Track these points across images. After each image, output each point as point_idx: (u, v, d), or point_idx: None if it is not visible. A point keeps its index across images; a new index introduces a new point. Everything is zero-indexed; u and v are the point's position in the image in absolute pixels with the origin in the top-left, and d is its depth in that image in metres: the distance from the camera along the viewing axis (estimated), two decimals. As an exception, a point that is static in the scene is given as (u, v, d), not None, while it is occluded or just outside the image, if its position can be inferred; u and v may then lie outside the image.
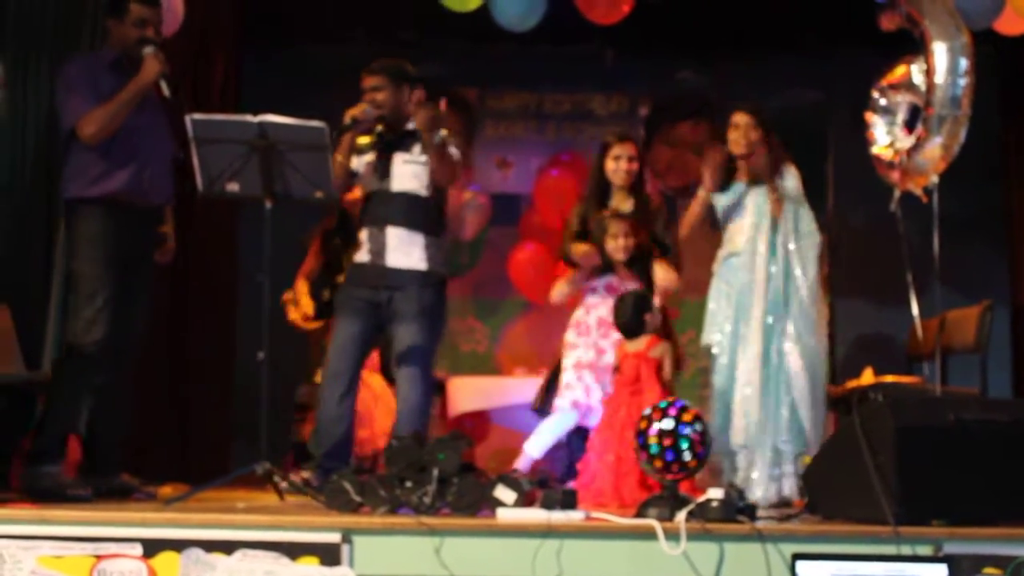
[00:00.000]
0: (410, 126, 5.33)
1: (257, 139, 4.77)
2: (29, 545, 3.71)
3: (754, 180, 5.31)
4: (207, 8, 6.81)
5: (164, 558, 3.72)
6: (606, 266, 5.53)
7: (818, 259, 5.23)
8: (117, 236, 4.90)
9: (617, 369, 5.21)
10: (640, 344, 5.17)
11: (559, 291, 5.67)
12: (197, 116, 4.88)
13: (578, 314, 5.56)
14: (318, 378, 6.62)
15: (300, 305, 6.81)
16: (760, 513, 4.08)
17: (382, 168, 5.30)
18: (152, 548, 3.72)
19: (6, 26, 5.84)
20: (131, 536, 3.74)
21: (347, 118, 5.18)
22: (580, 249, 5.55)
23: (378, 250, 5.26)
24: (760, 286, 5.17)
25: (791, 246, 5.21)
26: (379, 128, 5.35)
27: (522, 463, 5.38)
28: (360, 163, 5.36)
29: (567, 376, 5.46)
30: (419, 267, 5.24)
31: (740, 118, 5.33)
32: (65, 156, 4.99)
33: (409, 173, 5.28)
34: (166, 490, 4.95)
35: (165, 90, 4.96)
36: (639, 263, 5.52)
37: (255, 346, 4.86)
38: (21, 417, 4.94)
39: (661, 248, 5.56)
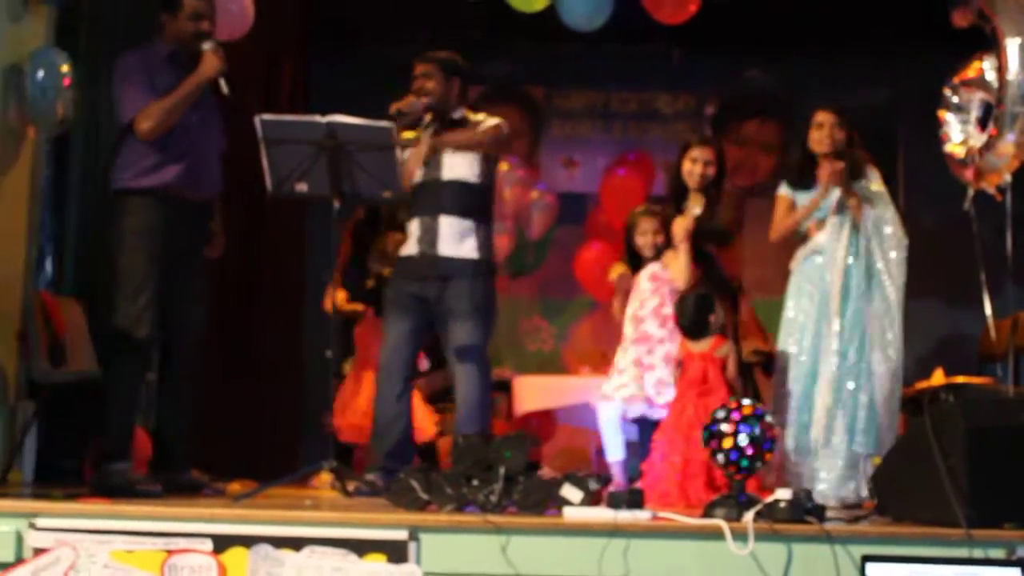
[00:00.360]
0: (457, 115, 5.35)
1: (325, 139, 4.77)
2: (103, 539, 3.74)
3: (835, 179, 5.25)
4: (274, 13, 6.86)
5: (233, 553, 3.73)
6: (638, 262, 5.55)
7: (905, 263, 5.16)
8: (165, 230, 4.86)
9: (680, 368, 5.20)
10: (705, 345, 5.15)
11: (615, 310, 5.74)
12: (266, 117, 4.87)
13: None
14: (346, 368, 6.63)
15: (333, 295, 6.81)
16: (829, 514, 4.04)
17: (432, 157, 5.30)
18: (222, 544, 3.73)
19: (79, 28, 5.89)
20: (201, 532, 3.75)
21: (392, 110, 5.17)
22: (614, 272, 5.69)
23: (430, 239, 5.24)
24: (839, 287, 5.12)
25: (876, 250, 5.14)
26: (427, 118, 5.36)
27: (616, 475, 5.31)
28: (405, 156, 5.33)
29: None
30: (471, 256, 5.23)
31: (824, 117, 5.27)
32: (117, 148, 4.96)
33: (459, 161, 5.27)
34: (234, 486, 4.98)
35: (224, 87, 4.95)
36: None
37: (323, 344, 4.89)
38: (95, 414, 4.96)
39: (714, 236, 5.54)
